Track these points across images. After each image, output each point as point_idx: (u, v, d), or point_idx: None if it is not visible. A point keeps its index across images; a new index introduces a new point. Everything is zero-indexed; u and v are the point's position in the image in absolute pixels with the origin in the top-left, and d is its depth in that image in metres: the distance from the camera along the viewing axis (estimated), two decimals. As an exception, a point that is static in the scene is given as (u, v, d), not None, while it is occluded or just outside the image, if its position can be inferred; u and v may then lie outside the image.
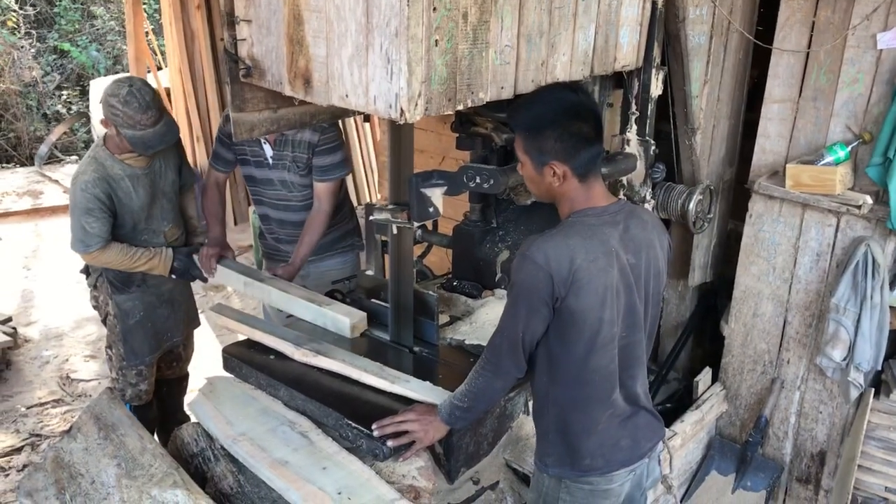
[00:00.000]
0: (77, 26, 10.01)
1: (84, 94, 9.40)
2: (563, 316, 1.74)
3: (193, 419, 2.31)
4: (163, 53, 7.34)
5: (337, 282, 2.80)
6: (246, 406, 2.25)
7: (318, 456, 2.03)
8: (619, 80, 2.61)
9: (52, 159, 8.88)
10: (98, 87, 7.52)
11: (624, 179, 2.71)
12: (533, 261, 1.72)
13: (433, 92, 1.68)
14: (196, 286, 3.28)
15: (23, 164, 8.93)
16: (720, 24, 2.81)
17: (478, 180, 2.12)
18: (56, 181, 8.11)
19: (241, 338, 2.52)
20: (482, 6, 1.74)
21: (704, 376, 3.21)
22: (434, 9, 1.61)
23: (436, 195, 2.10)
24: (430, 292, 2.41)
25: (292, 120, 2.12)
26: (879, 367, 2.77)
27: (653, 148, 2.68)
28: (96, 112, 7.45)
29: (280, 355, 2.36)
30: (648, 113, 2.63)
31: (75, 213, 2.76)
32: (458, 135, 2.60)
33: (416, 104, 1.64)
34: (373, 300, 2.60)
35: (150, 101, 2.69)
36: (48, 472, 2.18)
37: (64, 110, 9.48)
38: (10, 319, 4.97)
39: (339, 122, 3.28)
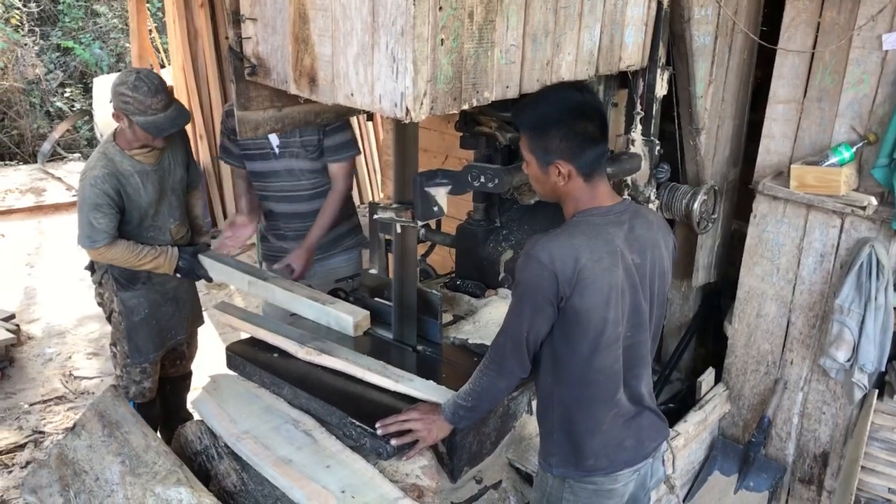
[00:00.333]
0: (80, 24, 10.02)
1: (87, 91, 9.40)
2: (568, 316, 1.74)
3: (197, 417, 2.32)
4: (166, 51, 7.34)
5: (340, 280, 2.81)
6: (249, 404, 2.25)
7: (322, 454, 2.03)
8: (624, 79, 2.61)
9: (54, 157, 8.88)
10: (101, 84, 7.52)
11: (628, 179, 2.70)
12: (538, 260, 1.71)
13: (439, 91, 1.68)
14: (200, 284, 3.28)
15: (26, 162, 8.94)
16: (725, 24, 2.80)
17: (482, 179, 2.12)
18: (59, 178, 8.12)
19: (245, 336, 2.52)
20: (488, 6, 1.74)
21: (708, 377, 3.21)
22: (440, 8, 1.61)
23: (440, 194, 2.10)
24: (434, 291, 2.41)
25: (297, 118, 2.13)
26: (883, 369, 2.77)
27: (657, 148, 2.68)
28: (99, 110, 7.50)
29: (284, 353, 2.36)
30: (653, 113, 2.63)
31: (83, 208, 2.76)
32: (461, 134, 2.60)
33: (422, 103, 1.64)
34: (376, 299, 2.60)
35: (159, 86, 2.71)
36: (52, 469, 2.18)
37: (67, 108, 9.48)
38: (13, 316, 4.98)
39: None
